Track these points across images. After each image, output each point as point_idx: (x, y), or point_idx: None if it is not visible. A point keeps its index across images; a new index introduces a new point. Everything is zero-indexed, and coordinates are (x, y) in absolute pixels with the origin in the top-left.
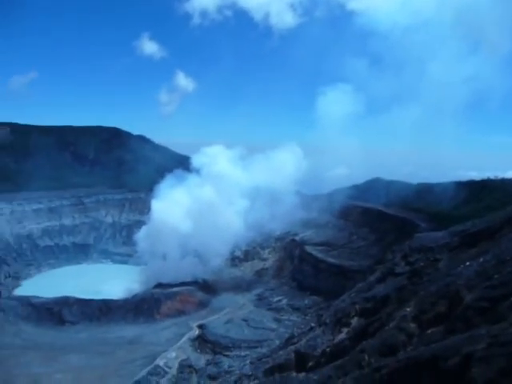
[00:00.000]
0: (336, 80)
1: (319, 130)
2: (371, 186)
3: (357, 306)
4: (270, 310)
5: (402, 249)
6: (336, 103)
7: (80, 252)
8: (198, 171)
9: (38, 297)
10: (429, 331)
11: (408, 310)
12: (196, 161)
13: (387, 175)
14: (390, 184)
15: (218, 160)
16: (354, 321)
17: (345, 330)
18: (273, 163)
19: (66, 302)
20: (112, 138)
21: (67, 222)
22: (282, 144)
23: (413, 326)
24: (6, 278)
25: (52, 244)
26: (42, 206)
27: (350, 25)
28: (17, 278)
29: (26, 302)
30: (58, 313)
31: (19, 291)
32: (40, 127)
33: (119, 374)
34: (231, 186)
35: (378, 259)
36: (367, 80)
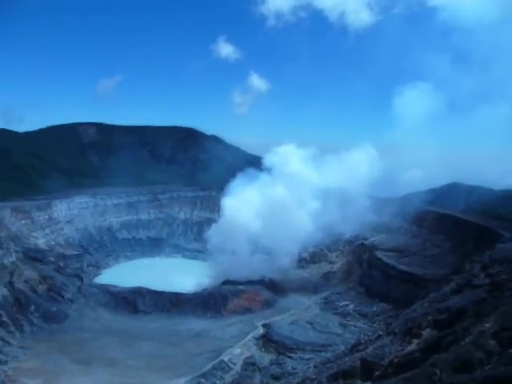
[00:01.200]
0: (415, 79)
1: (396, 131)
2: (449, 191)
3: (429, 317)
4: (336, 314)
5: (482, 259)
6: (414, 102)
7: (154, 246)
8: (269, 170)
9: (115, 286)
10: (511, 350)
11: (487, 325)
12: (268, 160)
13: (468, 180)
14: (470, 189)
15: (289, 159)
16: (426, 332)
17: (415, 341)
18: (346, 164)
19: (140, 292)
20: (187, 138)
21: (143, 216)
22: (356, 145)
23: (492, 343)
24: (88, 266)
25: (129, 237)
26: (121, 200)
27: (431, 21)
28: (97, 267)
29: (105, 290)
30: (132, 302)
31: (99, 279)
32: (122, 127)
33: (187, 365)
34: (302, 185)
35: (453, 269)
36: (450, 78)
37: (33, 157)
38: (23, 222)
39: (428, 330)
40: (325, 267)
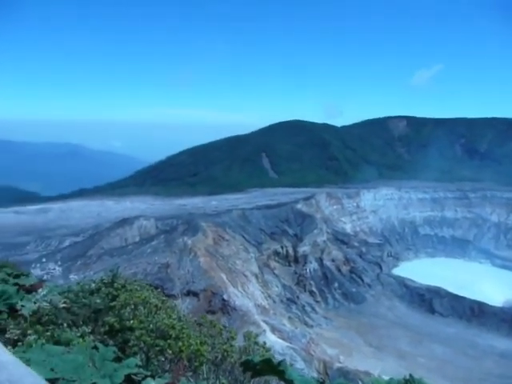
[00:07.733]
0: None
1: None
2: None
3: None
4: None
5: None
6: None
7: (458, 246)
8: None
9: (412, 280)
10: None
11: None
12: None
13: None
14: None
15: None
16: None
17: None
18: None
19: (438, 292)
20: (509, 130)
21: (449, 214)
22: None
23: None
24: (387, 256)
25: (432, 233)
26: (426, 195)
27: None
28: (396, 259)
29: (402, 282)
30: (428, 301)
31: (397, 271)
32: (433, 119)
33: None
34: None
35: None
36: None
37: (347, 149)
38: (335, 207)
39: None
40: None
